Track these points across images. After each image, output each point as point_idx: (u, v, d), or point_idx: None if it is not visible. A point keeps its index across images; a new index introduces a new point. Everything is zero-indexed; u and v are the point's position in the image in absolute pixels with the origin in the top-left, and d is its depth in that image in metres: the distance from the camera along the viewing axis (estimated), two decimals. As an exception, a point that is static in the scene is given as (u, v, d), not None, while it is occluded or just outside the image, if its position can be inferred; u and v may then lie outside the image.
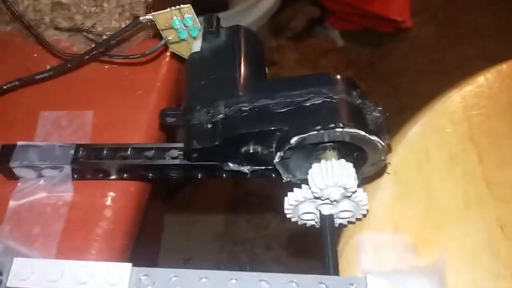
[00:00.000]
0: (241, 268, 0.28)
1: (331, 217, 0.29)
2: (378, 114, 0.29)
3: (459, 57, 1.16)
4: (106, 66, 0.38)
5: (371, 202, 0.34)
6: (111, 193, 0.33)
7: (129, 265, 0.27)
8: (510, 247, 0.32)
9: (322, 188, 0.27)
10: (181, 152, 0.30)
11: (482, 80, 0.41)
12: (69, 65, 0.35)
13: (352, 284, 0.27)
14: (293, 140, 0.27)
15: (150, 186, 0.36)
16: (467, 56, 1.14)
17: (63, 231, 0.31)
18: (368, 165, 0.29)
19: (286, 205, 0.30)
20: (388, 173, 0.35)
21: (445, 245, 0.32)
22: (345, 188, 0.27)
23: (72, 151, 0.31)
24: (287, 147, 0.27)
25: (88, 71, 0.38)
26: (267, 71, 0.33)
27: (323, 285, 0.26)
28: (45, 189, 0.32)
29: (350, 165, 0.27)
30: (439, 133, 0.37)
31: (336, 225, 0.31)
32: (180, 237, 0.92)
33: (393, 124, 0.38)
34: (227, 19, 0.98)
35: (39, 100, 0.36)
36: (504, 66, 0.41)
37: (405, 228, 0.33)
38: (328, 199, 0.28)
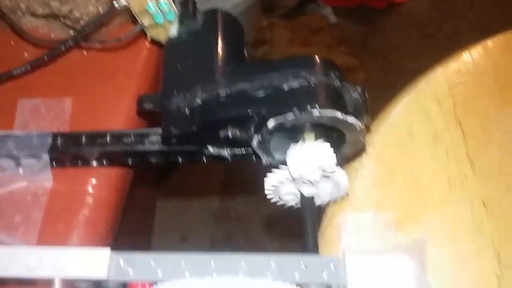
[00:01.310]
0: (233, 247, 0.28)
1: (311, 197, 0.29)
2: (357, 96, 0.28)
3: (453, 32, 1.15)
4: (85, 53, 0.37)
5: (353, 182, 0.34)
6: (92, 180, 0.33)
7: (107, 250, 0.27)
8: (493, 224, 0.32)
9: (301, 169, 0.27)
10: (160, 138, 0.30)
11: (467, 56, 0.40)
12: (46, 58, 0.34)
13: (330, 263, 0.27)
14: (270, 123, 0.26)
15: (132, 172, 0.35)
16: (461, 30, 1.13)
17: (44, 219, 0.31)
18: (347, 146, 0.29)
19: (266, 186, 0.30)
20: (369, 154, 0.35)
21: (427, 223, 0.32)
22: (323, 169, 0.27)
23: (50, 140, 0.31)
24: (265, 130, 0.27)
25: (66, 58, 0.37)
26: (246, 55, 0.32)
27: (302, 264, 0.26)
28: (24, 178, 0.32)
29: (328, 146, 0.27)
30: (422, 112, 0.37)
31: (317, 205, 0.31)
32: (176, 218, 0.92)
33: (385, 100, 0.38)
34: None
35: (17, 88, 0.36)
36: (489, 42, 0.41)
37: (387, 208, 0.33)
38: (307, 180, 0.28)
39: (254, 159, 0.31)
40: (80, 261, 0.26)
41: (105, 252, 0.27)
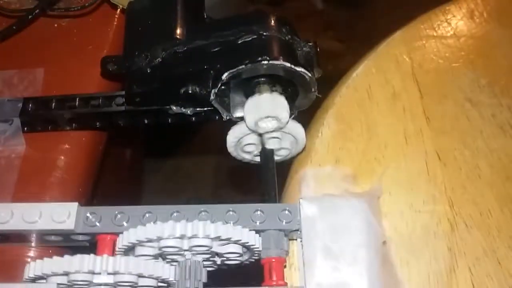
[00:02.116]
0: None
1: (270, 150, 0.31)
2: (309, 49, 0.30)
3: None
4: (55, 25, 0.39)
5: (314, 140, 0.35)
6: (64, 144, 0.34)
7: (75, 204, 0.28)
8: (446, 174, 0.34)
9: (256, 120, 0.28)
10: (125, 98, 0.32)
11: (426, 19, 0.42)
12: (14, 27, 0.35)
13: (285, 209, 0.28)
14: (224, 76, 0.28)
15: (104, 136, 0.37)
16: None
17: (17, 182, 0.33)
18: (301, 98, 0.30)
19: (227, 143, 0.31)
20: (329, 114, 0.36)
21: (384, 175, 0.34)
22: (277, 119, 0.28)
23: (21, 104, 0.32)
24: (220, 83, 0.28)
25: (38, 30, 0.38)
26: (206, 16, 0.34)
27: (259, 211, 0.28)
28: (-2, 143, 0.33)
29: (281, 96, 0.29)
30: (381, 73, 0.39)
31: (278, 161, 0.33)
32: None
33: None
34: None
35: (-11, 60, 0.37)
36: (448, 7, 0.43)
37: (346, 162, 0.34)
38: (264, 130, 0.29)
39: (217, 118, 0.33)
40: (48, 214, 0.28)
41: (73, 206, 0.28)
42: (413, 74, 0.39)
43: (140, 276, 0.25)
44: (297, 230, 0.28)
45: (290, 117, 0.30)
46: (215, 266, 0.29)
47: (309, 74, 0.28)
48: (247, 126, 0.29)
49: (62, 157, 0.34)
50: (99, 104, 0.32)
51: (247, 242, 0.26)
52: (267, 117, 0.28)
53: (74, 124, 0.33)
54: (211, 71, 0.29)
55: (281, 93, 0.29)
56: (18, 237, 0.29)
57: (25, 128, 0.33)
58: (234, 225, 0.27)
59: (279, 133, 0.30)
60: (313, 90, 0.29)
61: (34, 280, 0.26)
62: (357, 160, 0.34)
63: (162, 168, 0.96)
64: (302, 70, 0.28)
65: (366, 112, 0.37)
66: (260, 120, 0.29)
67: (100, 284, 0.25)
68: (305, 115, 0.34)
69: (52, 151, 0.34)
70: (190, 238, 0.25)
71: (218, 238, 0.25)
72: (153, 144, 0.87)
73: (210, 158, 0.98)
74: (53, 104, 0.32)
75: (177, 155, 0.99)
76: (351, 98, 0.37)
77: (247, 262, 0.30)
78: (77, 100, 0.32)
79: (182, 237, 0.25)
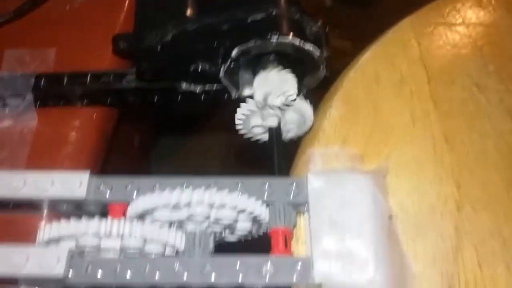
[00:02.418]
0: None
1: (278, 127, 0.31)
2: (317, 29, 0.30)
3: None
4: (67, 5, 0.39)
5: (322, 120, 0.36)
6: (75, 121, 0.35)
7: (87, 173, 0.28)
8: (453, 156, 0.34)
9: (265, 96, 0.29)
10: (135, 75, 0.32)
11: (435, 7, 0.42)
12: (27, 6, 0.36)
13: (293, 183, 0.29)
14: (234, 53, 0.28)
15: (115, 114, 0.37)
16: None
17: (29, 156, 0.33)
18: (309, 77, 0.30)
19: (236, 120, 0.32)
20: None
21: (390, 156, 0.34)
22: (285, 95, 0.29)
23: (33, 80, 0.33)
24: (229, 59, 0.29)
25: (50, 12, 0.39)
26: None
27: (266, 184, 0.28)
28: (10, 118, 0.34)
29: (289, 72, 0.29)
30: (389, 57, 0.39)
31: (285, 139, 0.33)
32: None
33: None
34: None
35: (4, 40, 0.38)
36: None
37: (353, 143, 0.35)
38: (272, 106, 0.29)
39: (226, 97, 0.33)
40: (61, 183, 0.28)
41: (85, 175, 0.29)
42: (421, 59, 0.39)
43: (146, 240, 0.26)
44: (304, 203, 0.29)
45: (298, 95, 0.30)
46: (224, 238, 0.30)
47: (318, 53, 0.28)
48: (255, 103, 0.30)
49: (73, 133, 0.35)
50: (109, 80, 0.33)
51: (255, 212, 0.26)
52: (276, 92, 0.29)
53: (85, 100, 0.34)
54: (221, 48, 0.29)
55: (289, 71, 0.30)
56: (29, 206, 0.29)
57: (37, 104, 0.34)
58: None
59: (286, 111, 0.31)
60: (321, 68, 0.30)
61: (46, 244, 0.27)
62: (363, 142, 0.35)
63: (171, 148, 0.95)
64: (312, 47, 0.28)
65: (373, 95, 0.37)
66: (269, 96, 0.29)
67: (108, 249, 0.26)
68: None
69: (63, 127, 0.35)
70: (198, 205, 0.26)
71: (225, 206, 0.26)
72: (163, 124, 0.86)
73: (219, 137, 0.97)
74: (65, 80, 0.33)
75: (186, 135, 0.98)
76: (359, 82, 0.38)
77: (255, 236, 0.30)
78: (89, 76, 0.33)
79: (189, 204, 0.25)
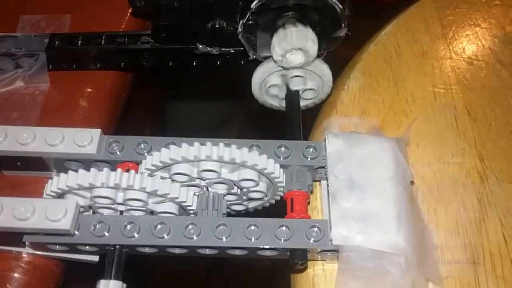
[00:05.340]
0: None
1: (296, 91, 0.30)
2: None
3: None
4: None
5: (340, 92, 0.35)
6: (87, 84, 0.34)
7: (98, 130, 0.28)
8: (476, 128, 0.33)
9: (284, 52, 0.28)
10: (151, 33, 0.31)
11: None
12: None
13: (310, 146, 0.27)
14: (253, 4, 0.27)
15: (128, 81, 0.37)
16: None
17: (40, 117, 0.32)
18: (330, 37, 0.29)
19: (253, 84, 0.31)
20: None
21: (411, 125, 0.33)
22: (305, 52, 0.28)
23: (47, 40, 0.32)
24: (248, 13, 0.28)
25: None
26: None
27: (283, 147, 0.27)
28: (23, 79, 0.33)
29: (310, 30, 0.28)
30: (411, 32, 0.38)
31: (303, 107, 0.32)
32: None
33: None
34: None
35: (19, 5, 0.38)
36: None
37: (373, 114, 0.33)
38: (291, 65, 0.28)
39: (243, 62, 0.32)
40: (71, 138, 0.27)
41: (96, 132, 0.28)
42: (443, 35, 0.38)
43: (156, 195, 0.25)
44: (322, 167, 0.27)
45: (317, 56, 0.29)
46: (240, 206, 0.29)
47: (340, 6, 0.28)
48: (274, 61, 0.29)
49: (86, 98, 0.34)
50: (124, 41, 0.32)
51: (275, 172, 0.25)
52: (295, 49, 0.28)
53: (98, 64, 0.33)
54: (240, 3, 0.28)
55: (309, 28, 0.29)
56: (38, 164, 0.28)
57: (50, 66, 0.33)
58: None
59: (304, 72, 0.30)
60: (343, 26, 0.29)
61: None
62: (384, 112, 0.34)
63: (185, 114, 0.92)
64: (335, 1, 0.27)
65: (394, 68, 0.36)
66: (288, 52, 0.28)
67: (116, 205, 0.25)
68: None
69: (75, 91, 0.34)
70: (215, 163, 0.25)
71: (246, 163, 0.25)
72: (176, 88, 0.84)
73: (235, 104, 0.95)
74: (79, 40, 0.32)
75: (200, 100, 0.95)
76: (379, 55, 0.37)
77: (272, 201, 0.29)
78: (103, 37, 0.32)
79: (209, 158, 0.24)
